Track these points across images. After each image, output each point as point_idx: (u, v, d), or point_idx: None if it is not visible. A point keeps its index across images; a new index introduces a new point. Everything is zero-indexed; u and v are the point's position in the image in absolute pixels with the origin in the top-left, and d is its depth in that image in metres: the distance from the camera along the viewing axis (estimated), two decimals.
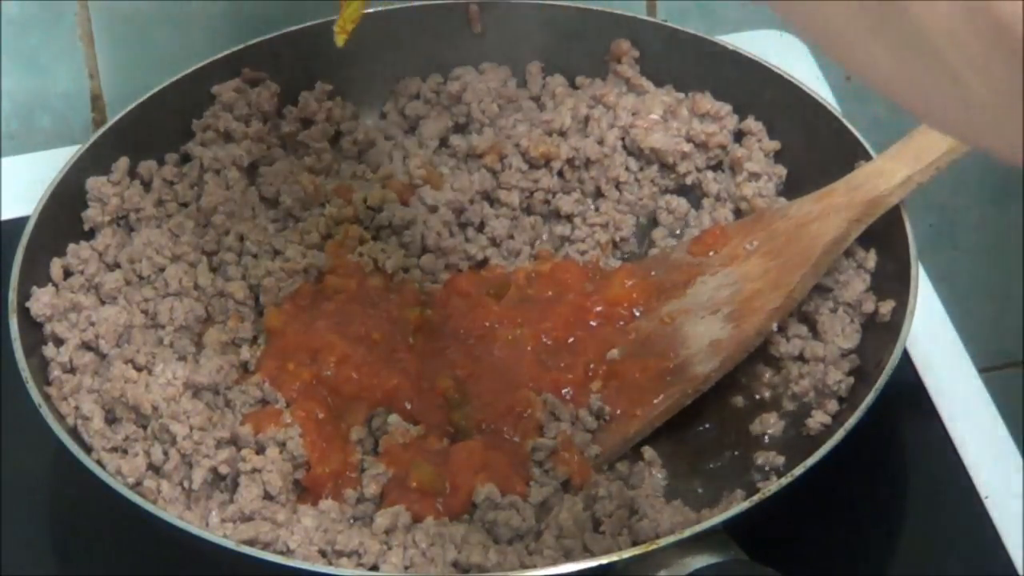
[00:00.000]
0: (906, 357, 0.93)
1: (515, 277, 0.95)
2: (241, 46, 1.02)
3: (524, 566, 0.78)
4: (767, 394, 0.90)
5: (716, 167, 1.00)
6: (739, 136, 1.01)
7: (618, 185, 1.00)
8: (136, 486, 0.81)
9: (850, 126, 0.95)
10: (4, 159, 1.10)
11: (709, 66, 1.01)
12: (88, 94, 1.12)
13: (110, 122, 0.98)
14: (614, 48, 1.03)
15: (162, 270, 0.93)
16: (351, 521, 0.82)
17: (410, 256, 0.96)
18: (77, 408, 0.84)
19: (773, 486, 0.77)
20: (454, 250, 0.97)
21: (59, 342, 0.88)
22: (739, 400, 0.90)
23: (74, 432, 0.84)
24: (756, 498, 0.77)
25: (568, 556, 0.79)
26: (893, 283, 0.89)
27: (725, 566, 0.73)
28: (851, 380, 0.87)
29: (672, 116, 1.01)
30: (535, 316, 0.92)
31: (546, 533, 0.81)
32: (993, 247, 1.37)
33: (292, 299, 0.92)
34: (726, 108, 1.00)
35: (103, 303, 0.91)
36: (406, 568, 0.79)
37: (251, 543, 0.78)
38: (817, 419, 0.86)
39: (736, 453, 0.87)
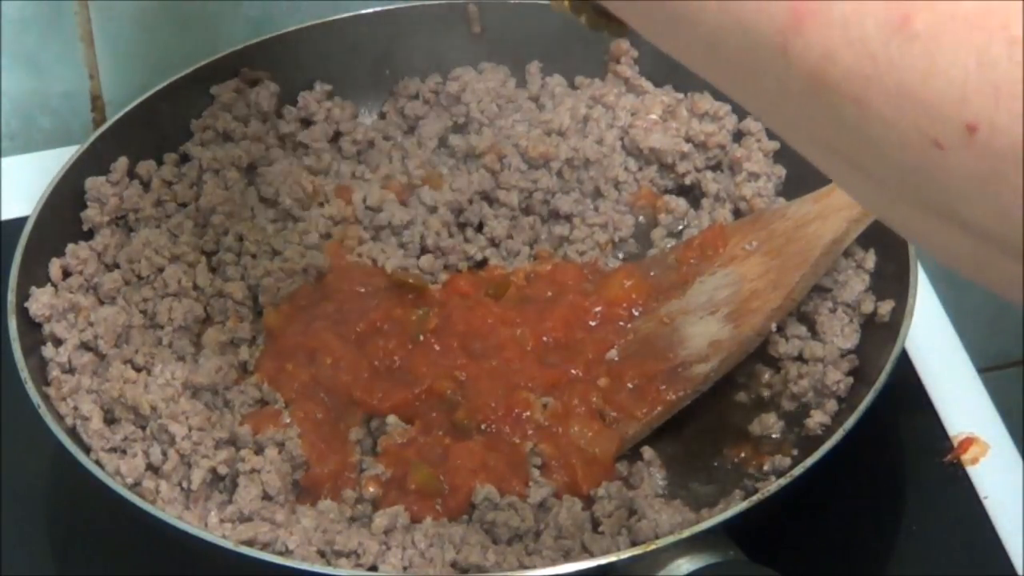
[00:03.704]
0: (905, 357, 0.93)
1: (514, 277, 0.95)
2: (241, 46, 1.02)
3: (523, 566, 0.78)
4: (766, 394, 0.90)
5: (715, 167, 1.00)
6: (738, 136, 1.01)
7: (617, 185, 1.00)
8: (135, 486, 0.81)
9: None
10: (4, 159, 1.10)
11: None
12: (88, 94, 1.12)
13: (109, 122, 0.98)
14: (613, 48, 1.03)
15: (161, 270, 0.93)
16: (350, 521, 0.82)
17: (409, 256, 0.96)
18: (76, 408, 0.84)
19: (772, 486, 0.77)
20: (453, 250, 0.96)
21: (58, 342, 0.88)
22: (738, 400, 0.90)
23: (73, 432, 0.84)
24: (755, 498, 0.77)
25: (567, 556, 0.79)
26: (892, 283, 0.89)
27: (724, 566, 0.73)
28: (850, 380, 0.87)
29: (671, 116, 1.01)
30: (534, 316, 0.92)
31: (545, 533, 0.80)
32: None
33: (291, 299, 0.92)
34: (725, 108, 1.00)
35: (102, 303, 0.91)
36: (405, 568, 0.78)
37: (250, 543, 0.78)
38: (816, 419, 0.86)
39: (735, 453, 0.87)
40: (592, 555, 0.79)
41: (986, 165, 0.41)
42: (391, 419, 0.86)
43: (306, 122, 1.03)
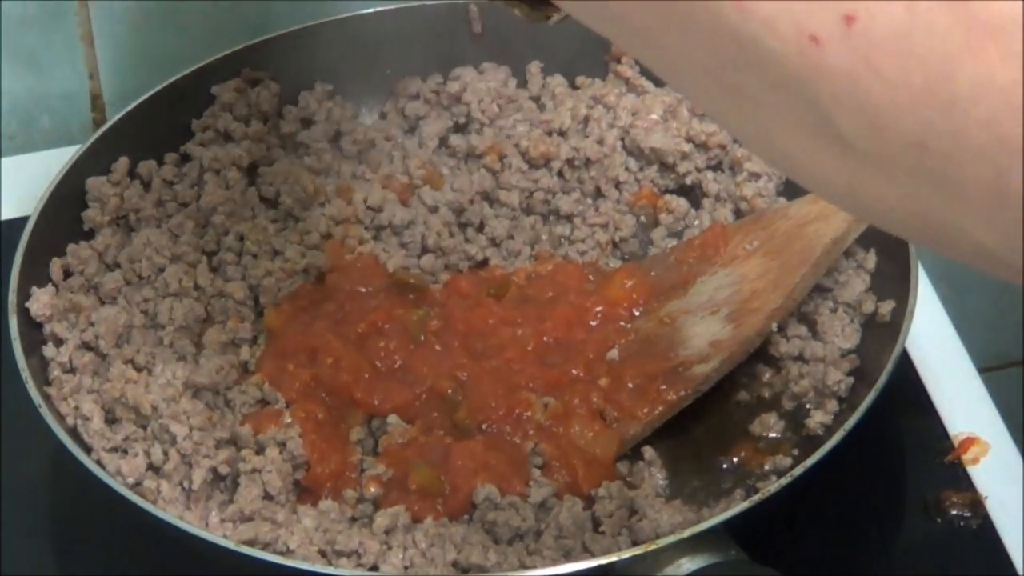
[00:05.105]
0: (906, 357, 0.93)
1: (515, 277, 0.95)
2: (241, 46, 1.02)
3: (524, 566, 0.78)
4: (767, 394, 0.90)
5: (716, 167, 1.00)
6: None
7: (618, 185, 1.00)
8: (136, 486, 0.82)
9: None
10: (4, 159, 1.10)
11: None
12: (88, 94, 1.12)
13: (110, 122, 0.98)
14: (614, 48, 1.03)
15: (162, 270, 0.93)
16: (351, 521, 0.82)
17: (410, 256, 0.96)
18: (77, 408, 0.84)
19: (773, 486, 0.77)
20: (454, 250, 0.97)
21: (59, 342, 0.88)
22: (739, 400, 0.90)
23: (74, 432, 0.84)
24: (756, 498, 0.77)
25: (568, 556, 0.79)
26: (893, 283, 0.89)
27: (725, 566, 0.73)
28: (851, 380, 0.87)
29: (672, 116, 1.01)
30: (535, 316, 0.92)
31: (546, 533, 0.80)
32: None
33: (292, 299, 0.92)
34: None
35: (103, 303, 0.91)
36: (406, 568, 0.79)
37: (251, 543, 0.78)
38: (817, 419, 0.86)
39: (736, 453, 0.87)
40: (593, 555, 0.79)
41: (861, 59, 0.41)
42: (392, 419, 0.86)
43: (307, 122, 1.03)
